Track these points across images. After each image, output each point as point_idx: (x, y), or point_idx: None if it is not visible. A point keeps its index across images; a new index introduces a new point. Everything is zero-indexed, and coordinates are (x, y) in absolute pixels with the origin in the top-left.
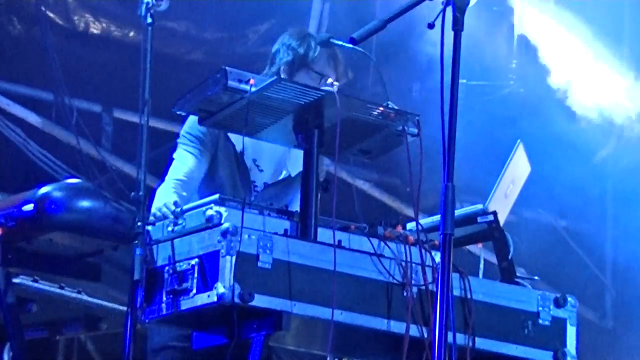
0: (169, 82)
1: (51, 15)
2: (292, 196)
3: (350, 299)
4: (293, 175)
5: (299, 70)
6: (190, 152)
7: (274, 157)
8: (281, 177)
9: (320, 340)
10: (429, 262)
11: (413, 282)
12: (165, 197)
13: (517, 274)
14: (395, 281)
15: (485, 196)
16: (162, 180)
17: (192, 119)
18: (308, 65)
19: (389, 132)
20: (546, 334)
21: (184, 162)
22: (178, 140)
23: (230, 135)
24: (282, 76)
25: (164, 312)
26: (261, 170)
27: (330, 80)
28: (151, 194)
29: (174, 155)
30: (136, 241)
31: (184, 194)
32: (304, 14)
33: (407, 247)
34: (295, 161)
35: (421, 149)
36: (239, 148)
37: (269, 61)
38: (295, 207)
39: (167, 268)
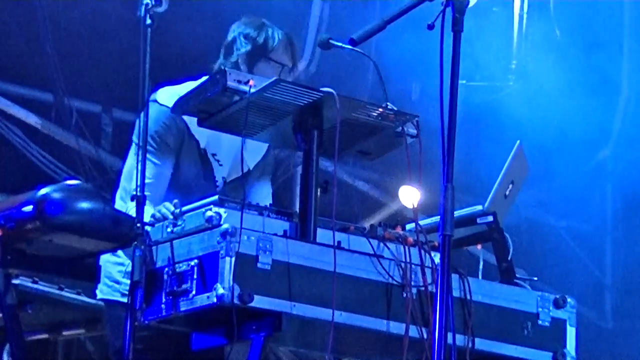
0: (168, 83)
1: (51, 15)
2: (251, 188)
3: (349, 300)
4: (252, 168)
5: (258, 60)
6: (149, 160)
7: (232, 150)
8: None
9: (320, 341)
10: (428, 263)
11: (412, 283)
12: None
13: (517, 275)
14: (394, 282)
15: (484, 197)
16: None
17: (153, 115)
18: (268, 54)
19: (388, 133)
20: (546, 334)
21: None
22: (136, 140)
23: (193, 130)
24: (241, 67)
25: (164, 313)
26: (220, 165)
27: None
28: None
29: (132, 158)
30: (135, 242)
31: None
32: (304, 15)
33: (406, 248)
34: (252, 154)
35: (420, 150)
36: (202, 144)
37: (223, 51)
38: (255, 199)
39: (166, 269)
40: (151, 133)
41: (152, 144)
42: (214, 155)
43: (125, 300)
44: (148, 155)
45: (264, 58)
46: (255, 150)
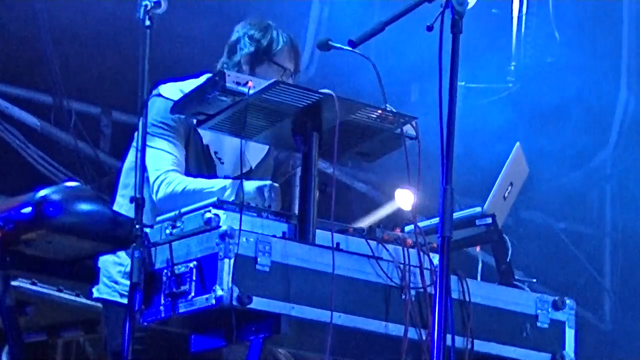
0: (168, 80)
1: (50, 17)
2: None
3: (348, 301)
4: (254, 167)
5: (261, 62)
6: (171, 141)
7: (235, 149)
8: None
9: (319, 343)
10: (427, 264)
11: (411, 284)
12: (203, 183)
13: (516, 277)
14: (393, 284)
15: (483, 199)
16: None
17: (162, 106)
18: (270, 57)
19: (387, 135)
20: (545, 336)
21: (170, 150)
22: (150, 130)
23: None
24: (244, 67)
25: (163, 315)
26: (222, 163)
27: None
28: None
29: (153, 145)
30: (134, 244)
31: None
32: (303, 16)
33: (405, 249)
34: (254, 153)
35: (419, 151)
36: (205, 140)
37: (227, 50)
38: None
39: (165, 271)
40: (166, 121)
41: (171, 130)
42: (215, 153)
43: (123, 300)
44: (170, 138)
45: (267, 61)
46: (257, 149)
